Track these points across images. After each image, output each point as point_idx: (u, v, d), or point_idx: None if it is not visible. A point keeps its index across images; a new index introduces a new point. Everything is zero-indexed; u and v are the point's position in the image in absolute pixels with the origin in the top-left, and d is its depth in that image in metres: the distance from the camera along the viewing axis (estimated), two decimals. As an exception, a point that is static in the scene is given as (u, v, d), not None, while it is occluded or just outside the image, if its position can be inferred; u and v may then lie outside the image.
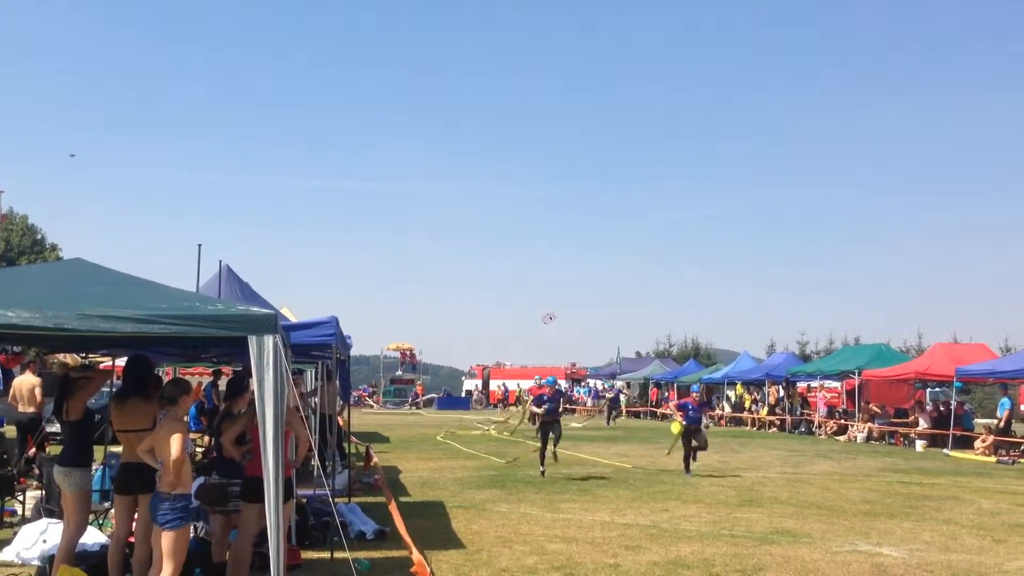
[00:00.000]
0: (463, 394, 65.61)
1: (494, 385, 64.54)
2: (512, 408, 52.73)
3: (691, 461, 17.08)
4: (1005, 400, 25.26)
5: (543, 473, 16.07)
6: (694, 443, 17.03)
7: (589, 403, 53.51)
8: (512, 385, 62.50)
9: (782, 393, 36.81)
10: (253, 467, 7.20)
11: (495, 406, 59.88)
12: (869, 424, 29.09)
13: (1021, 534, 10.98)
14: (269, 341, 6.24)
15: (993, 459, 22.28)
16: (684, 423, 16.97)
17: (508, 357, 71.61)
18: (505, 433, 28.67)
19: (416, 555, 7.99)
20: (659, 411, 44.93)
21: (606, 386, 43.60)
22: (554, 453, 16.25)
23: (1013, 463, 21.61)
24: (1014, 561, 9.30)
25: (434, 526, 10.72)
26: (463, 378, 73.72)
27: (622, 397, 48.42)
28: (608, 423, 38.28)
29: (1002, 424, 24.27)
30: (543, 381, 17.79)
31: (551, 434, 16.07)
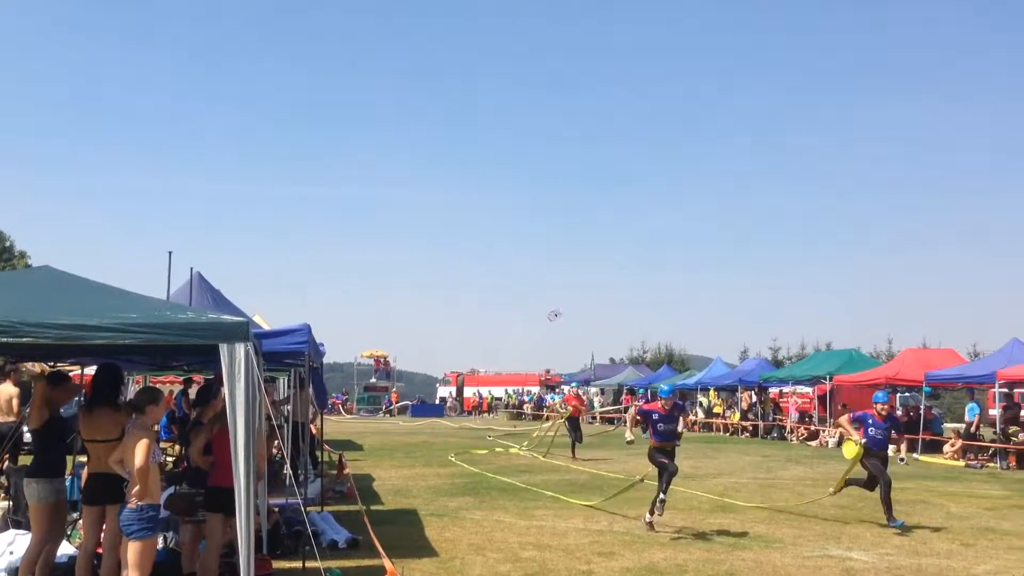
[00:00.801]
0: (437, 401, 65.55)
1: (469, 392, 64.53)
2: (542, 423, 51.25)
3: (889, 503, 11.93)
4: (973, 405, 25.57)
5: (651, 525, 11.38)
6: (872, 474, 12.11)
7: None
8: (485, 392, 62.57)
9: (754, 399, 37.04)
10: (216, 477, 7.16)
11: (469, 413, 59.89)
12: (840, 429, 29.29)
13: (989, 538, 11.10)
14: (240, 349, 6.21)
15: (962, 463, 22.54)
16: (863, 444, 12.08)
17: (483, 364, 71.66)
18: (520, 449, 25.00)
19: (388, 563, 7.96)
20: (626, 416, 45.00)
21: (636, 393, 43.44)
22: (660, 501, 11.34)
23: (982, 467, 21.87)
24: (982, 565, 9.41)
25: (407, 534, 10.69)
26: (437, 385, 73.65)
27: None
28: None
29: (973, 429, 24.57)
30: (662, 390, 11.94)
31: (666, 471, 11.38)
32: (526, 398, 58.06)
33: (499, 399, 60.93)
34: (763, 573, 8.91)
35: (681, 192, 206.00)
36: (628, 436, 12.13)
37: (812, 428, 31.43)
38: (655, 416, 11.51)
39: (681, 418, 11.76)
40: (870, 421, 12.31)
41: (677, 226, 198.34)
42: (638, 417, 12.18)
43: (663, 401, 11.65)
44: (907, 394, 32.49)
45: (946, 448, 24.25)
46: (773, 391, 38.56)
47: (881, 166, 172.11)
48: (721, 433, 37.04)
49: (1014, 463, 21.76)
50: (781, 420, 34.48)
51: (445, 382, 70.36)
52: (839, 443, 12.99)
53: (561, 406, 24.24)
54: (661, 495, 11.22)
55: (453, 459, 21.51)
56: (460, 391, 66.45)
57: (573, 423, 23.06)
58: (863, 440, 12.07)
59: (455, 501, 13.88)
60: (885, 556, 9.81)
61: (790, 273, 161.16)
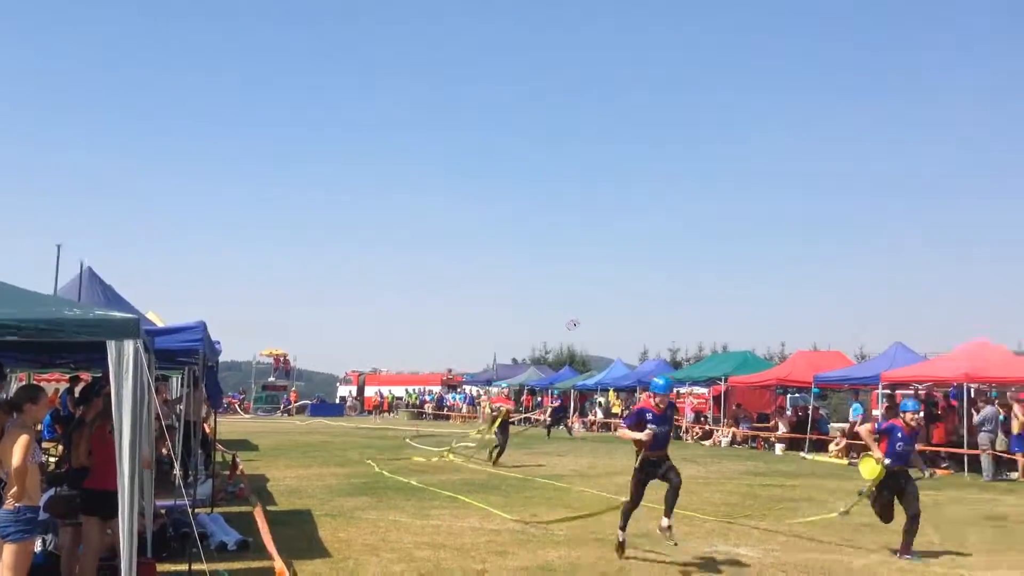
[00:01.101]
0: (337, 400, 64.91)
1: (370, 391, 64.06)
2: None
3: (911, 536, 10.01)
4: (857, 405, 26.65)
5: (621, 545, 9.58)
6: (896, 499, 10.22)
7: (464, 409, 53.65)
8: (386, 391, 62.19)
9: (652, 399, 37.71)
10: (93, 479, 6.97)
11: (370, 413, 59.46)
12: (733, 429, 30.16)
13: (868, 534, 11.53)
14: (129, 346, 6.08)
15: (845, 461, 23.43)
16: (886, 462, 10.07)
17: (384, 363, 71.25)
18: (449, 454, 22.67)
19: (279, 564, 7.86)
20: (533, 416, 45.32)
21: (553, 394, 43.53)
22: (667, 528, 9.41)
23: (864, 465, 22.73)
24: (861, 559, 9.81)
25: (300, 535, 10.56)
26: (338, 384, 72.89)
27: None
28: (549, 435, 34.14)
29: (856, 428, 25.57)
30: (656, 385, 9.64)
31: (665, 480, 9.47)
32: (427, 398, 57.95)
33: (400, 399, 60.65)
34: (653, 570, 9.12)
35: (581, 194, 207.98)
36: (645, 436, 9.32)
37: (707, 428, 32.27)
38: (648, 416, 9.28)
39: (673, 419, 9.67)
40: (899, 434, 10.15)
41: (576, 228, 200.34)
42: (626, 428, 9.62)
43: (658, 398, 9.43)
44: (797, 395, 33.58)
45: (831, 447, 25.19)
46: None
47: (780, 165, 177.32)
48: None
49: (894, 461, 22.70)
50: (677, 420, 35.24)
51: (346, 381, 69.74)
52: (853, 455, 11.21)
53: (492, 409, 21.99)
54: (621, 533, 9.58)
55: (375, 466, 20.80)
56: (361, 391, 65.97)
57: (503, 427, 21.22)
58: (887, 460, 10.05)
59: (351, 501, 13.77)
60: (771, 552, 10.13)
61: (689, 277, 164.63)
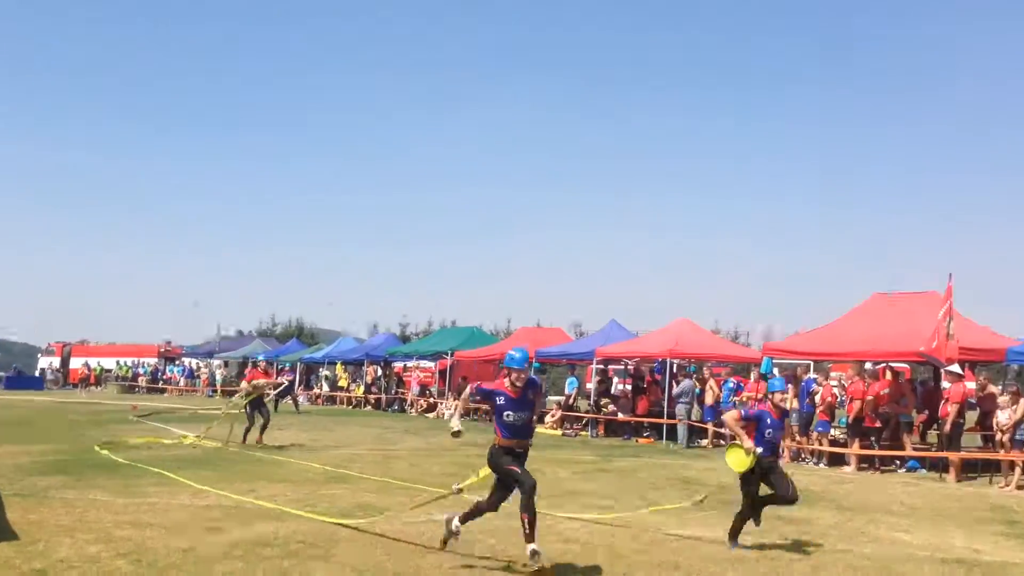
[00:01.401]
0: (37, 373, 59.94)
1: (77, 363, 59.68)
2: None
3: (755, 518, 9.09)
4: (573, 379, 28.16)
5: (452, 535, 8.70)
6: (763, 488, 9.13)
7: (182, 383, 51.26)
8: (94, 363, 58.23)
9: (380, 372, 37.93)
10: None
11: (75, 386, 55.43)
12: (456, 402, 30.87)
13: (576, 499, 12.25)
14: None
15: (559, 432, 24.71)
16: (758, 451, 8.90)
17: (96, 334, 66.60)
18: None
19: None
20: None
21: (284, 368, 41.81)
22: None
23: (576, 435, 24.14)
24: (564, 524, 10.38)
25: (-19, 518, 9.59)
26: (40, 355, 67.32)
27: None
28: (276, 408, 29.94)
29: (571, 401, 27.04)
30: (512, 358, 8.04)
31: (521, 484, 8.16)
32: (141, 371, 54.77)
33: (109, 371, 56.91)
34: (365, 540, 9.11)
35: (316, 171, 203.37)
36: (455, 424, 8.59)
37: (431, 401, 32.83)
38: (500, 400, 7.91)
39: (536, 402, 8.43)
40: (768, 420, 9.08)
41: (315, 202, 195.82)
42: (478, 398, 8.69)
43: (514, 374, 7.88)
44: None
45: (547, 419, 26.44)
46: (398, 366, 39.77)
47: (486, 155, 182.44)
48: (345, 406, 37.50)
49: (603, 431, 24.28)
50: (403, 393, 35.63)
51: (48, 352, 64.61)
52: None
53: (250, 384, 19.47)
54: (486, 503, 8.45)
55: (75, 442, 18.93)
56: (65, 362, 61.38)
57: (257, 403, 19.41)
58: (759, 449, 8.91)
59: (45, 480, 12.67)
60: (486, 519, 10.40)
61: (424, 254, 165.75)
